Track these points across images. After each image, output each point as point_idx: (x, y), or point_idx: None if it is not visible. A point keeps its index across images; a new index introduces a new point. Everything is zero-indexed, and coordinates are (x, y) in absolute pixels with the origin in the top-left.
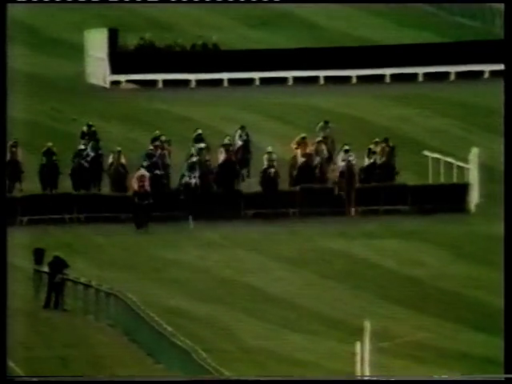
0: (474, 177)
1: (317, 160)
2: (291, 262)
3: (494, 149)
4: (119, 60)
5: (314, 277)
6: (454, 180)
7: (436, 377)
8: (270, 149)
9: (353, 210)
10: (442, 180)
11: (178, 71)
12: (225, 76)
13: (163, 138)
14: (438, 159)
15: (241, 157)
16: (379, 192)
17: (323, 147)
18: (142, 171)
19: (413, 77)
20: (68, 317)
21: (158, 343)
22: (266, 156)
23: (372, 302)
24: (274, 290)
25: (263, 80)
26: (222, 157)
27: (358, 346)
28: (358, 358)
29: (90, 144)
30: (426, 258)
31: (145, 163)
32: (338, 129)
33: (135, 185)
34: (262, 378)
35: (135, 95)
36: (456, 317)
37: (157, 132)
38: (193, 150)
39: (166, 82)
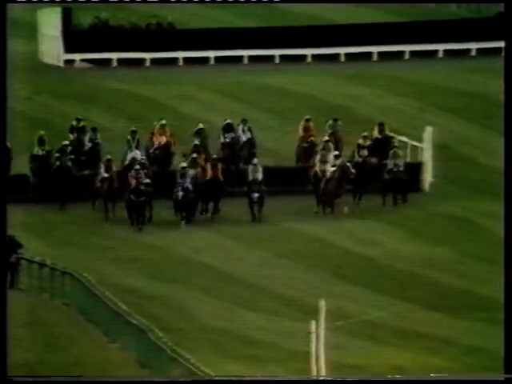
0: (428, 156)
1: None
2: (247, 241)
3: (449, 128)
4: (73, 39)
5: (269, 256)
6: (408, 159)
7: (436, 377)
8: (255, 161)
9: (345, 208)
10: None
11: (133, 50)
12: (180, 55)
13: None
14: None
15: (246, 153)
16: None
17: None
18: (137, 167)
19: (367, 56)
20: (23, 296)
21: (114, 322)
22: (251, 168)
23: (327, 281)
24: (230, 269)
25: (218, 59)
26: (209, 172)
27: (313, 324)
28: (314, 336)
29: (88, 135)
30: (380, 238)
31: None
32: (294, 107)
33: (132, 181)
34: (261, 378)
35: (90, 74)
36: (410, 296)
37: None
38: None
39: (120, 61)
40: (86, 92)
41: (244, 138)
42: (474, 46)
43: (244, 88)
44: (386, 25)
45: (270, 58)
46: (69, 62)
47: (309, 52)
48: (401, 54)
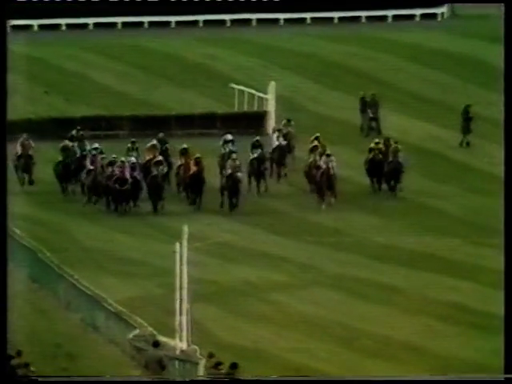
0: (271, 106)
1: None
2: None
3: (287, 82)
4: None
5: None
6: (255, 108)
7: (436, 377)
8: (234, 156)
9: (332, 199)
10: (246, 108)
11: (22, 18)
12: (63, 21)
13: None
14: (243, 91)
15: (277, 157)
16: (193, 118)
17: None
18: (122, 159)
19: (221, 22)
20: None
21: (9, 244)
22: (229, 162)
23: (190, 210)
24: None
25: (96, 24)
26: (192, 168)
27: (177, 246)
28: (178, 256)
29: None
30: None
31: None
32: (160, 64)
33: (117, 171)
34: (259, 378)
35: None
36: (257, 222)
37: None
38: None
39: (13, 27)
40: None
41: (277, 142)
42: (308, 15)
43: (118, 49)
44: None
45: (140, 24)
46: None
47: (173, 19)
48: (249, 21)
